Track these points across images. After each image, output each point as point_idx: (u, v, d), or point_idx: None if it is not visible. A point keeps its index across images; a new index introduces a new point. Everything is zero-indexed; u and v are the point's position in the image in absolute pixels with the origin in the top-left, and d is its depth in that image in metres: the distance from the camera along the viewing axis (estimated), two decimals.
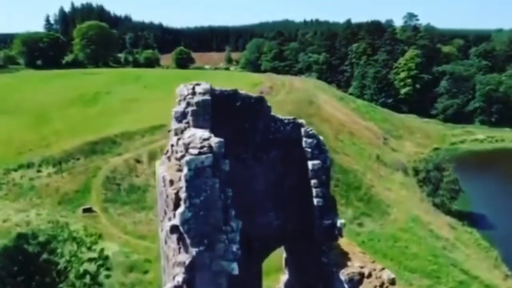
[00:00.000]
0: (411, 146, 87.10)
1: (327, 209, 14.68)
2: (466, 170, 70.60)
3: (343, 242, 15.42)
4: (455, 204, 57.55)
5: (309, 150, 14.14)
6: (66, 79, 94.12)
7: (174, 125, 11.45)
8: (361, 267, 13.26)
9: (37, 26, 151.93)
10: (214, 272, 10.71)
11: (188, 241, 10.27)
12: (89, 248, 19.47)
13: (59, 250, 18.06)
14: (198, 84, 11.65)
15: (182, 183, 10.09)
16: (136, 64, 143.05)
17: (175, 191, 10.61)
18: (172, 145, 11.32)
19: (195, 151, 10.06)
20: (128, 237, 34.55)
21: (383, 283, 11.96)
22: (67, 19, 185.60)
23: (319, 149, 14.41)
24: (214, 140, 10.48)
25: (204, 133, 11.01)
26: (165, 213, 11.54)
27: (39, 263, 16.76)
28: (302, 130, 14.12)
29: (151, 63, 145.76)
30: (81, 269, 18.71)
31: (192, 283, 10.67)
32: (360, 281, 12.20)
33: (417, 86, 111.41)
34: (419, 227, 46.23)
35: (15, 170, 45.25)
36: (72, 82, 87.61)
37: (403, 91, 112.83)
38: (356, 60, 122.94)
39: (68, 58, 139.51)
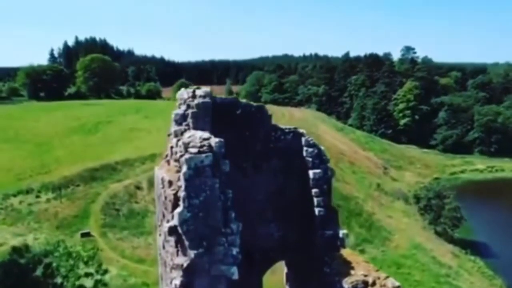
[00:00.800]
0: (411, 176, 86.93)
1: (329, 219, 14.43)
2: (467, 199, 70.20)
3: (346, 253, 15.11)
4: (457, 232, 56.96)
5: (310, 159, 13.99)
6: (68, 109, 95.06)
7: (174, 127, 11.44)
8: (365, 276, 12.92)
9: (42, 60, 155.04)
10: (213, 276, 10.44)
11: (186, 243, 10.08)
12: (86, 263, 19.16)
13: (54, 264, 17.77)
14: (198, 88, 11.81)
15: (181, 182, 9.96)
16: (138, 96, 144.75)
17: (174, 191, 10.48)
18: (172, 147, 11.27)
19: (195, 150, 10.03)
20: (126, 261, 34.03)
21: None
22: (70, 53, 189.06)
23: (320, 159, 14.29)
24: (214, 140, 10.43)
25: (204, 133, 11.02)
26: (163, 216, 11.38)
27: (35, 277, 16.49)
28: (303, 139, 14.01)
29: (153, 95, 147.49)
30: (78, 283, 18.37)
31: (190, 286, 10.42)
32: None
33: (416, 117, 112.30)
34: (422, 254, 45.57)
35: (14, 196, 45.07)
36: (74, 112, 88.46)
37: (402, 122, 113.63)
38: (355, 92, 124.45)
39: (71, 90, 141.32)
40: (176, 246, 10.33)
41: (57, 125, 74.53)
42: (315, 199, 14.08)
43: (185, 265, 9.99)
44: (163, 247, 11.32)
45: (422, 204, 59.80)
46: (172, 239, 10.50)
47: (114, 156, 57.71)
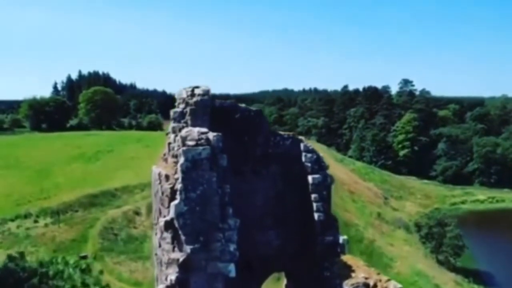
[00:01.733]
0: (412, 206, 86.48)
1: (329, 225, 14.30)
2: (468, 230, 69.59)
3: (346, 258, 14.95)
4: (459, 261, 56.24)
5: (309, 164, 13.83)
6: (69, 139, 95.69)
7: (172, 124, 11.62)
8: (366, 278, 12.80)
9: (45, 93, 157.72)
10: (210, 274, 10.35)
11: (182, 238, 10.03)
12: (83, 271, 18.96)
13: (51, 272, 17.62)
14: (197, 87, 12.07)
15: (178, 174, 10.00)
16: (139, 128, 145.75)
17: (170, 185, 10.43)
18: (170, 143, 11.37)
19: (192, 143, 10.15)
20: (122, 284, 33.55)
21: None
22: (73, 86, 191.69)
23: (319, 165, 14.25)
24: (212, 134, 10.54)
25: (202, 128, 11.12)
26: (160, 212, 11.27)
27: (31, 285, 16.32)
28: (302, 145, 13.99)
29: (154, 127, 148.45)
30: None
31: (186, 286, 10.27)
32: None
33: (415, 148, 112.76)
34: (424, 281, 44.86)
35: (12, 220, 44.79)
36: (74, 142, 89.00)
37: (401, 153, 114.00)
38: (354, 123, 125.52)
39: (73, 122, 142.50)
40: (172, 243, 10.28)
41: (58, 153, 74.86)
42: (314, 204, 13.86)
43: (181, 260, 9.95)
44: (159, 246, 11.25)
45: (424, 232, 59.30)
46: (168, 236, 10.43)
47: (114, 183, 57.73)
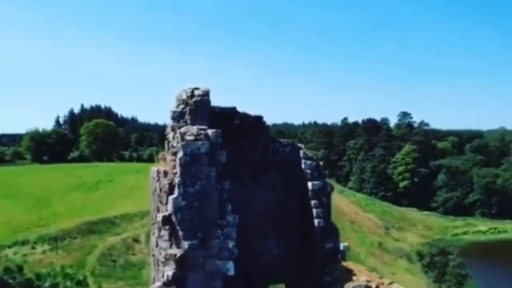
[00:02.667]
0: (413, 237, 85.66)
1: (329, 231, 14.29)
2: (471, 260, 68.67)
3: (347, 263, 14.86)
4: None
5: (309, 171, 13.80)
6: (69, 169, 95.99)
7: (171, 124, 11.88)
8: (368, 281, 12.74)
9: (47, 126, 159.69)
10: (208, 272, 10.36)
11: (180, 233, 10.06)
12: (80, 283, 18.86)
13: (47, 284, 17.56)
14: (197, 88, 12.45)
15: (177, 169, 10.19)
16: (140, 160, 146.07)
17: (169, 181, 10.47)
18: (169, 142, 11.60)
19: (191, 138, 10.43)
20: None
21: None
22: (75, 119, 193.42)
23: (319, 172, 14.30)
24: (211, 130, 10.83)
25: (201, 126, 11.39)
26: (158, 210, 11.31)
27: None
28: (301, 152, 14.23)
29: (154, 159, 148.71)
30: None
31: (183, 284, 10.24)
32: None
33: (415, 179, 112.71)
34: None
35: (9, 247, 44.55)
36: (75, 172, 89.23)
37: (401, 184, 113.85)
38: (354, 155, 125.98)
39: (74, 154, 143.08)
40: (170, 239, 10.31)
41: (58, 183, 74.98)
42: (314, 211, 13.77)
43: (178, 255, 9.96)
44: (156, 245, 11.31)
45: (426, 261, 58.57)
46: (165, 233, 10.47)
47: (114, 211, 57.66)
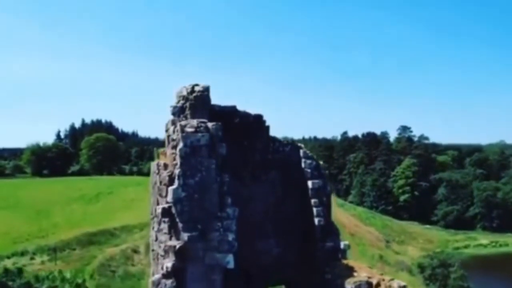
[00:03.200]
0: (414, 250, 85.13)
1: (329, 230, 14.37)
2: (472, 274, 68.25)
3: (347, 261, 14.85)
4: None
5: (309, 170, 13.82)
6: (70, 182, 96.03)
7: (171, 118, 12.04)
8: (369, 277, 12.79)
9: (48, 141, 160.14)
10: (208, 265, 10.43)
11: (180, 225, 10.13)
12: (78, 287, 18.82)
13: (45, 287, 17.56)
14: (197, 85, 12.62)
15: (177, 160, 10.33)
16: (140, 174, 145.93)
17: (169, 173, 10.55)
18: (169, 136, 11.76)
19: (192, 130, 10.62)
20: None
21: None
22: (76, 134, 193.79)
23: (319, 172, 14.42)
24: (212, 123, 11.03)
25: (201, 119, 11.50)
26: (158, 203, 11.22)
27: None
28: (301, 151, 14.37)
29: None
30: None
31: (183, 276, 10.27)
32: None
33: (416, 193, 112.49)
34: None
35: (8, 258, 44.38)
36: (76, 185, 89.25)
37: (402, 198, 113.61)
38: (354, 169, 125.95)
39: (74, 168, 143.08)
40: (169, 232, 10.38)
41: (58, 195, 75.00)
42: (314, 209, 13.80)
43: (177, 246, 10.05)
44: (156, 239, 11.38)
45: (427, 273, 58.24)
46: (165, 226, 10.55)
47: (113, 223, 57.59)
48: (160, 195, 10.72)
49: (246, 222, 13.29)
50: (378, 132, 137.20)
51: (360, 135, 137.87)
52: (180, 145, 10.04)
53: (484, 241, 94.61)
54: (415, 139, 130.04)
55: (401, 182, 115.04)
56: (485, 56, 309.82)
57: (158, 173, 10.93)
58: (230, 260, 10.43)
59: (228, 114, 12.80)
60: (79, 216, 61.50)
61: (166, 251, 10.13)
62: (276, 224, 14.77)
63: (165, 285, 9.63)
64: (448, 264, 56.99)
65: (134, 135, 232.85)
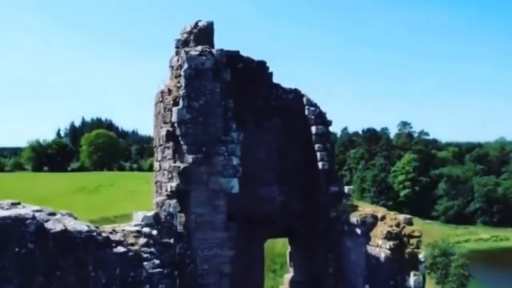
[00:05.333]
0: None
1: (333, 175, 14.43)
2: (473, 267, 68.21)
3: (352, 202, 14.79)
4: None
5: (312, 117, 13.95)
6: (71, 176, 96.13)
7: (175, 50, 12.03)
8: (374, 211, 12.81)
9: (48, 138, 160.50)
10: (212, 190, 10.47)
11: (184, 147, 10.15)
12: None
13: None
14: (200, 21, 12.28)
15: (181, 82, 10.37)
16: (140, 170, 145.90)
17: (173, 98, 10.58)
18: (172, 67, 11.56)
19: (196, 53, 10.66)
20: None
21: (399, 224, 11.42)
22: (76, 132, 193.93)
23: (322, 120, 14.51)
24: (216, 49, 11.06)
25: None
26: (161, 128, 11.06)
27: None
28: (305, 99, 14.34)
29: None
30: None
31: (186, 200, 10.20)
32: (373, 224, 11.63)
33: (416, 188, 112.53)
34: None
35: None
36: (76, 178, 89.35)
37: (402, 193, 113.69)
38: (354, 165, 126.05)
39: (74, 165, 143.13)
40: (174, 156, 10.38)
41: (59, 187, 75.06)
42: (318, 154, 13.85)
43: (182, 167, 10.09)
44: (159, 169, 11.39)
45: (428, 262, 58.00)
46: (169, 152, 10.54)
47: (114, 212, 57.62)
48: (164, 121, 10.72)
49: (248, 168, 13.29)
50: (378, 128, 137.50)
51: (360, 131, 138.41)
52: (185, 66, 10.04)
53: (485, 235, 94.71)
54: (415, 134, 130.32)
55: (401, 177, 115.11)
56: (486, 49, 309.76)
57: (161, 101, 10.94)
58: (234, 185, 10.44)
59: (231, 59, 12.86)
60: (81, 207, 61.38)
61: (170, 173, 10.13)
62: (279, 171, 14.77)
63: (169, 205, 9.62)
64: (449, 253, 56.84)
65: (134, 133, 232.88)
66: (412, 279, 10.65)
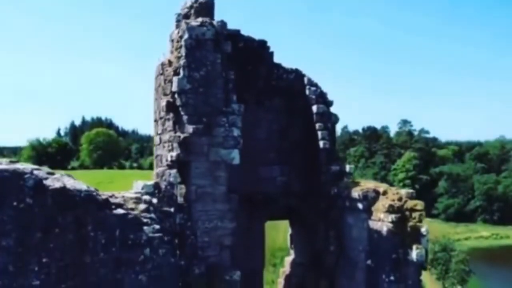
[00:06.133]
0: None
1: (334, 154, 14.39)
2: (474, 265, 68.05)
3: (353, 179, 14.71)
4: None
5: (313, 97, 14.02)
6: (70, 173, 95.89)
7: (175, 24, 11.96)
8: (376, 186, 12.75)
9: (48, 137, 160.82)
10: (213, 162, 10.42)
11: (185, 118, 10.12)
12: None
13: None
14: None
15: (182, 51, 10.30)
16: (141, 169, 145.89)
17: (174, 69, 10.59)
18: (173, 40, 11.59)
19: (197, 23, 10.61)
20: None
21: (401, 198, 11.42)
22: (76, 131, 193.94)
23: (323, 99, 14.52)
24: (216, 20, 11.00)
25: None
26: (161, 100, 11.05)
27: None
28: (305, 79, 14.34)
29: None
30: None
31: (187, 169, 10.13)
32: (375, 198, 11.60)
33: (416, 186, 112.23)
34: None
35: None
36: (76, 175, 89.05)
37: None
38: (355, 163, 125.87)
39: (74, 163, 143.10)
40: (174, 128, 10.35)
41: None
42: (319, 133, 13.87)
43: (182, 137, 10.04)
44: (159, 142, 11.33)
45: (428, 258, 57.95)
46: (169, 123, 10.47)
47: None
48: (164, 93, 10.66)
49: (249, 148, 13.22)
50: (378, 126, 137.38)
51: (360, 129, 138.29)
52: (185, 36, 9.98)
53: (485, 233, 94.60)
54: (416, 133, 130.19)
55: (401, 175, 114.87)
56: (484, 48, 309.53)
57: (162, 73, 10.89)
58: (235, 156, 10.38)
59: (232, 37, 13.02)
60: None
61: (170, 143, 10.06)
62: (280, 151, 14.72)
63: (169, 174, 9.54)
64: (450, 249, 56.73)
65: (135, 133, 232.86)
66: (414, 253, 10.61)
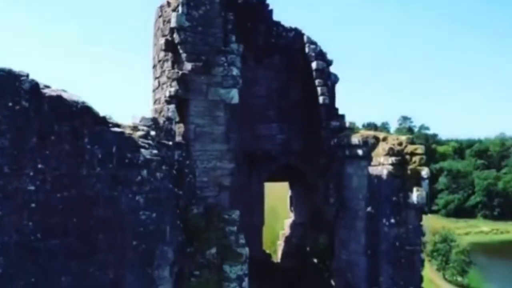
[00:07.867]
0: None
1: (334, 110, 14.34)
2: (474, 259, 67.89)
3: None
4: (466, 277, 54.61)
5: (313, 54, 14.05)
6: None
7: None
8: (376, 134, 12.68)
9: None
10: (211, 101, 10.36)
11: (183, 55, 10.03)
12: None
13: None
14: None
15: None
16: None
17: (173, 8, 10.44)
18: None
19: None
20: None
21: (401, 143, 11.41)
22: None
23: (323, 57, 14.48)
24: None
25: None
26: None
27: None
28: (305, 37, 14.35)
29: None
30: None
31: (185, 109, 10.02)
32: (375, 144, 11.59)
33: None
34: None
35: None
36: None
37: None
38: None
39: None
40: (173, 67, 10.24)
41: None
42: (318, 89, 13.86)
43: (180, 73, 9.96)
44: (158, 86, 11.20)
45: (429, 249, 57.89)
46: (168, 64, 10.34)
47: None
48: (163, 34, 10.56)
49: (248, 105, 13.13)
50: (378, 122, 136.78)
51: (360, 126, 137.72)
52: None
53: (485, 228, 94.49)
54: (416, 129, 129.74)
55: None
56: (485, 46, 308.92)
57: (161, 16, 10.80)
58: (234, 95, 10.31)
59: None
60: None
61: (169, 80, 9.97)
62: (279, 109, 14.66)
63: (168, 109, 9.45)
64: (450, 239, 56.67)
65: None
66: (415, 195, 10.54)
